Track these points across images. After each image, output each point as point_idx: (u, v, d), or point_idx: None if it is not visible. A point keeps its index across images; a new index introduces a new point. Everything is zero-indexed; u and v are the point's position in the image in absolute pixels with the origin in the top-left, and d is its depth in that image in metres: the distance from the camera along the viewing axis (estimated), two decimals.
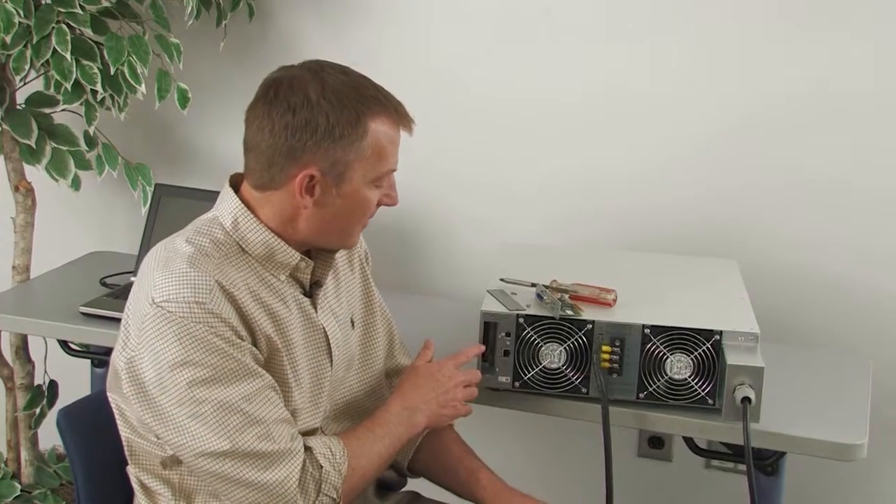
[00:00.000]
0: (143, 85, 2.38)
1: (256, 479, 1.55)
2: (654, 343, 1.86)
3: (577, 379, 1.89)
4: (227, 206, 1.65)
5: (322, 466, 1.60)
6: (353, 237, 1.69)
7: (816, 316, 2.38)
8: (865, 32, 2.25)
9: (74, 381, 2.50)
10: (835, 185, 2.33)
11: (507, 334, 1.88)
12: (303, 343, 1.67)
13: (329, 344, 1.72)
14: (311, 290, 1.72)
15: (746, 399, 1.78)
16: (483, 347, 1.89)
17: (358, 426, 1.72)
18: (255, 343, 1.60)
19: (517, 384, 1.91)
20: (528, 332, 1.88)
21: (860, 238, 2.33)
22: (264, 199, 1.63)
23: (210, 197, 1.73)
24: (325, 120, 1.56)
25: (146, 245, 2.41)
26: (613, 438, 1.84)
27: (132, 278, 2.36)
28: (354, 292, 1.85)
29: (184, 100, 2.45)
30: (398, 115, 1.63)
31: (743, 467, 1.82)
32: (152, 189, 2.49)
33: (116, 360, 1.62)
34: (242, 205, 1.64)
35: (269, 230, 1.63)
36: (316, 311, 1.71)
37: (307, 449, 1.61)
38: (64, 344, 2.40)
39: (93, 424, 1.78)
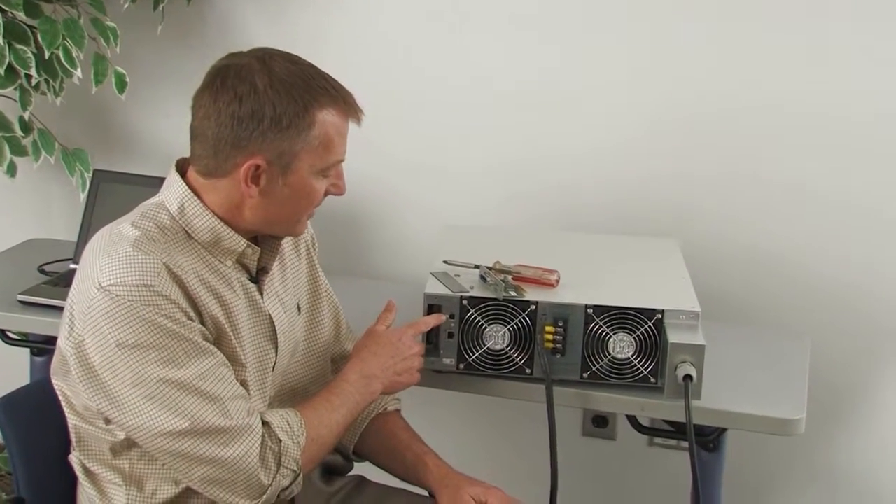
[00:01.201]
0: (80, 69, 2.34)
1: (217, 456, 1.55)
2: (597, 323, 1.87)
3: (521, 360, 1.90)
4: (174, 192, 1.64)
5: (281, 440, 1.61)
6: (299, 226, 1.69)
7: (757, 294, 2.41)
8: (799, 30, 2.28)
9: (13, 371, 2.45)
10: (774, 169, 2.35)
11: (451, 316, 1.88)
12: (249, 328, 1.67)
13: (275, 330, 1.71)
14: (257, 276, 1.71)
15: (688, 377, 1.80)
16: (444, 317, 1.88)
17: (315, 396, 1.72)
18: (202, 324, 1.59)
19: (462, 366, 1.91)
20: (472, 314, 1.88)
21: (799, 220, 2.36)
22: (210, 186, 1.62)
23: (150, 182, 1.72)
24: (271, 110, 1.55)
25: (85, 232, 2.37)
26: (558, 418, 1.85)
27: (71, 265, 2.37)
28: (301, 278, 1.84)
29: (121, 84, 2.42)
30: (347, 105, 1.62)
31: (685, 444, 1.83)
32: (90, 175, 2.45)
33: (64, 346, 1.61)
34: (189, 190, 1.63)
35: (216, 216, 1.62)
36: (262, 297, 1.70)
37: (265, 423, 1.61)
38: (2, 333, 2.36)
39: (33, 414, 1.76)
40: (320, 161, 1.61)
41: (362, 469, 1.93)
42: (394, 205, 2.60)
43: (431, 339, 1.90)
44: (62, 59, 2.31)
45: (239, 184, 1.59)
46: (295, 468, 1.62)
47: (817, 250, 2.36)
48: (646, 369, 1.88)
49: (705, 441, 2.01)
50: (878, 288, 2.35)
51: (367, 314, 1.87)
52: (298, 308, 1.81)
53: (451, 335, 1.89)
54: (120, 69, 2.42)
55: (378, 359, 1.77)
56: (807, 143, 2.32)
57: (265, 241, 1.71)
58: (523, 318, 1.88)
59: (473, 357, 1.90)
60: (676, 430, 2.03)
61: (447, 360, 1.91)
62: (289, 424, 1.63)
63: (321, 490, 1.84)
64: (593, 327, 1.87)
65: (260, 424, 1.60)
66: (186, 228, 1.62)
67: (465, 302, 1.88)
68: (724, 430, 2.00)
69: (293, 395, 1.80)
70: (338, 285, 1.95)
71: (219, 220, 1.62)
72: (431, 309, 1.88)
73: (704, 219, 2.40)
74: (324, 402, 1.70)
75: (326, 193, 1.66)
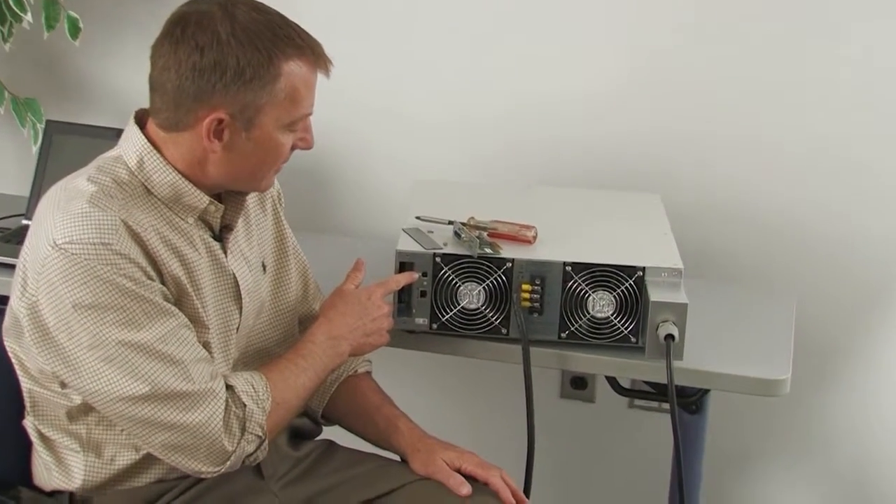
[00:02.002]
0: (30, 13, 2.29)
1: (179, 421, 1.53)
2: (576, 281, 1.85)
3: (496, 319, 1.88)
4: (132, 145, 1.60)
5: (245, 405, 1.59)
6: (265, 181, 1.66)
7: (741, 252, 2.39)
8: None
9: None
10: (762, 125, 2.33)
11: (424, 274, 1.86)
12: (212, 288, 1.64)
13: (239, 290, 1.68)
14: (220, 234, 1.68)
15: (670, 336, 1.78)
16: (416, 275, 1.85)
17: (281, 358, 1.70)
18: (163, 284, 1.56)
19: (435, 326, 1.89)
20: (446, 272, 1.86)
21: (784, 175, 2.35)
22: (171, 140, 1.59)
23: (105, 134, 1.70)
24: (234, 61, 1.52)
25: (38, 186, 2.33)
26: (535, 380, 1.84)
27: (24, 221, 2.33)
28: (266, 235, 1.81)
29: (74, 30, 2.36)
30: (314, 56, 1.59)
31: (667, 406, 1.83)
32: (43, 126, 2.41)
33: (16, 306, 1.57)
34: (148, 144, 1.59)
35: (177, 171, 1.59)
36: (226, 256, 1.67)
37: (229, 387, 1.59)
38: None
39: None
40: (286, 115, 1.58)
41: (331, 433, 1.91)
42: (364, 158, 2.56)
43: (403, 298, 1.88)
44: (10, 2, 2.25)
45: (201, 138, 1.56)
46: (260, 433, 1.60)
47: (804, 208, 2.35)
48: (626, 329, 1.86)
49: (687, 403, 2.00)
50: (865, 246, 2.34)
51: (336, 272, 1.85)
52: (263, 266, 1.78)
53: (423, 294, 1.87)
54: (73, 14, 2.35)
55: (346, 319, 1.75)
56: (791, 97, 2.31)
57: (229, 197, 1.68)
58: (499, 275, 1.86)
59: (447, 317, 1.88)
60: (657, 392, 2.03)
61: (420, 320, 1.89)
62: (254, 388, 1.61)
63: (288, 455, 1.82)
64: (572, 285, 1.85)
65: (223, 388, 1.57)
66: (146, 183, 1.59)
67: (438, 259, 1.86)
68: (706, 391, 1.99)
69: (258, 357, 1.77)
70: (305, 242, 1.92)
71: (180, 176, 1.59)
72: (403, 266, 1.86)
73: (688, 174, 2.38)
74: (290, 364, 1.68)
75: (294, 148, 1.64)
